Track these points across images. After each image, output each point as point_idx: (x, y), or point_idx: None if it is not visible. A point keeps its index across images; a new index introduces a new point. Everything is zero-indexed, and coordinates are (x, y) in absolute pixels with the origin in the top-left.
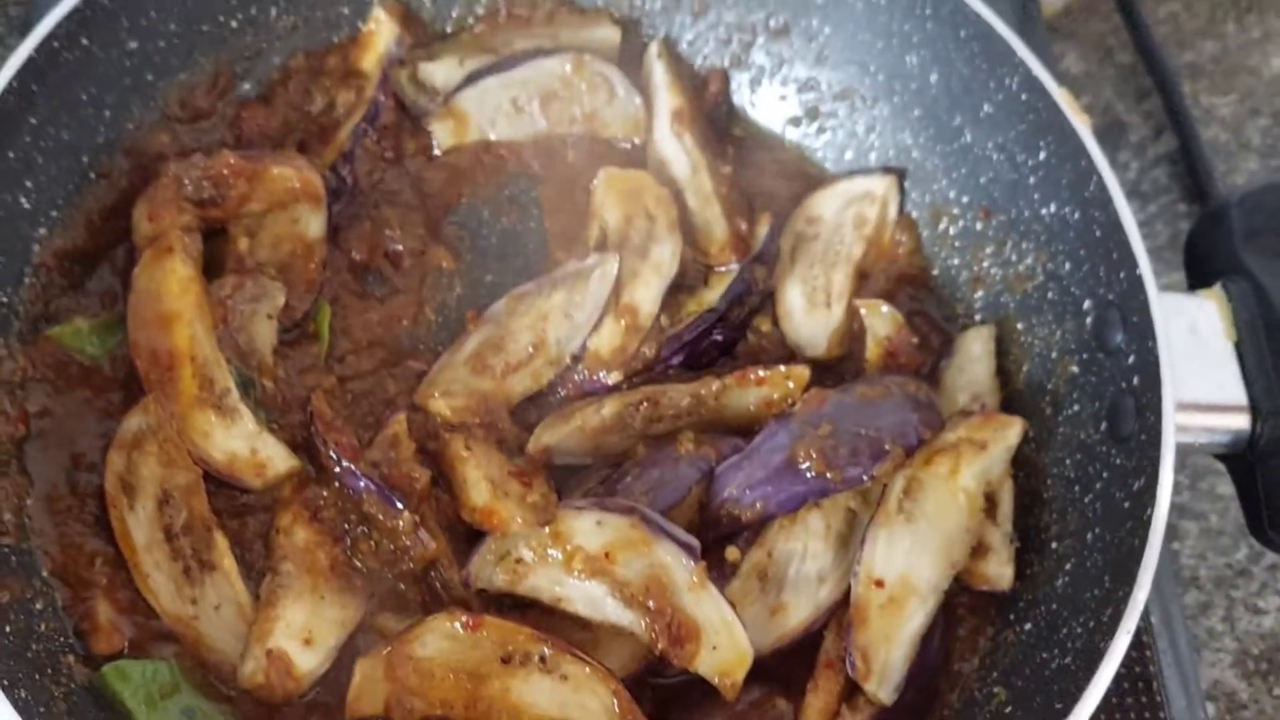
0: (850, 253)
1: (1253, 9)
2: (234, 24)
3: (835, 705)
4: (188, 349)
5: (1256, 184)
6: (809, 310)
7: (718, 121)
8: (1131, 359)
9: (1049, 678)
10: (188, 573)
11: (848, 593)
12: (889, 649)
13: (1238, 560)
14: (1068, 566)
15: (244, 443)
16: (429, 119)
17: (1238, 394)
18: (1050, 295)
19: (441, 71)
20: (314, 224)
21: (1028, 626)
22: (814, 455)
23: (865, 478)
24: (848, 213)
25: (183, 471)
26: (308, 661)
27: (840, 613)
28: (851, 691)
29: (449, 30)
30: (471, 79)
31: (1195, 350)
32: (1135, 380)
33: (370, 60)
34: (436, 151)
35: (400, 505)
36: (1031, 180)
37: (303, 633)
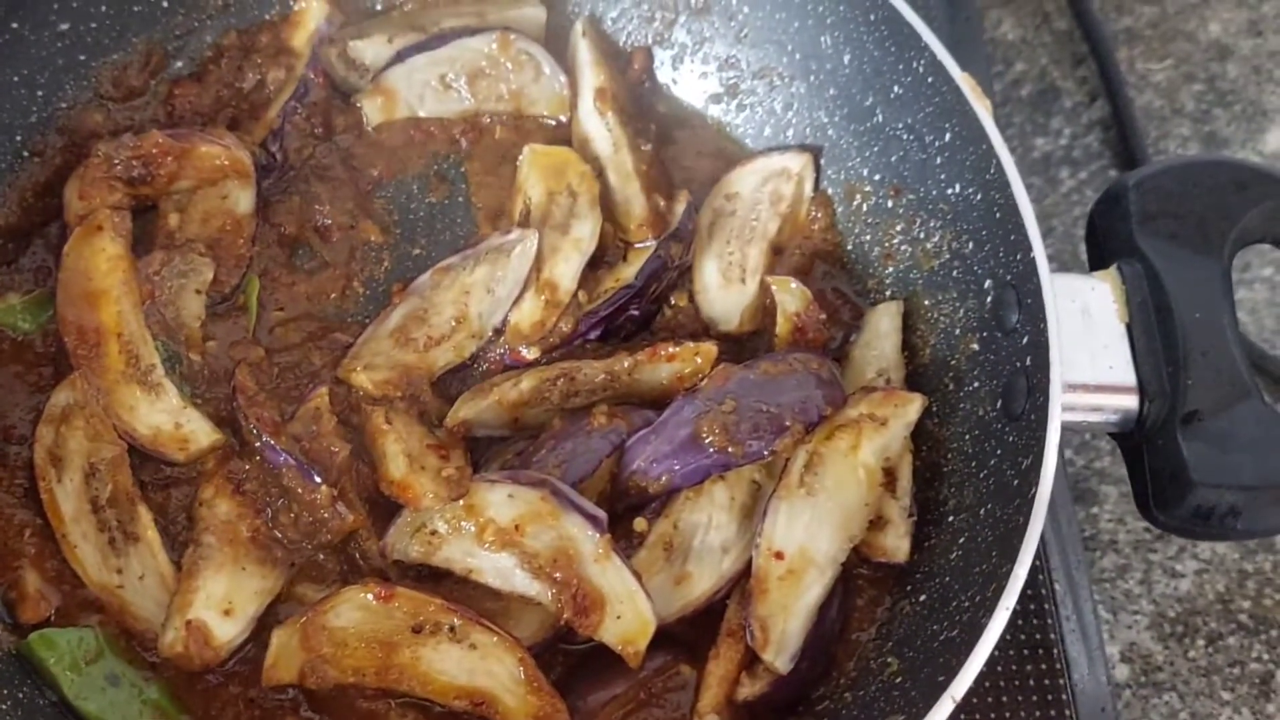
0: (766, 229)
1: None
2: (165, 3)
3: (736, 673)
4: (114, 325)
5: (1154, 166)
6: (724, 286)
7: (641, 99)
8: (1025, 339)
9: (937, 649)
10: (113, 543)
11: (750, 563)
12: (786, 620)
13: None
14: (961, 540)
15: (168, 417)
16: (358, 96)
17: (1127, 375)
18: (955, 273)
19: (371, 49)
20: (243, 200)
21: (922, 598)
22: (716, 430)
23: (765, 452)
24: (765, 189)
25: (109, 445)
26: (227, 631)
27: (743, 583)
28: (752, 659)
29: (379, 8)
30: (400, 56)
31: (1087, 331)
32: (1028, 360)
33: (301, 38)
34: (366, 128)
35: (319, 480)
36: (938, 161)
37: (223, 603)
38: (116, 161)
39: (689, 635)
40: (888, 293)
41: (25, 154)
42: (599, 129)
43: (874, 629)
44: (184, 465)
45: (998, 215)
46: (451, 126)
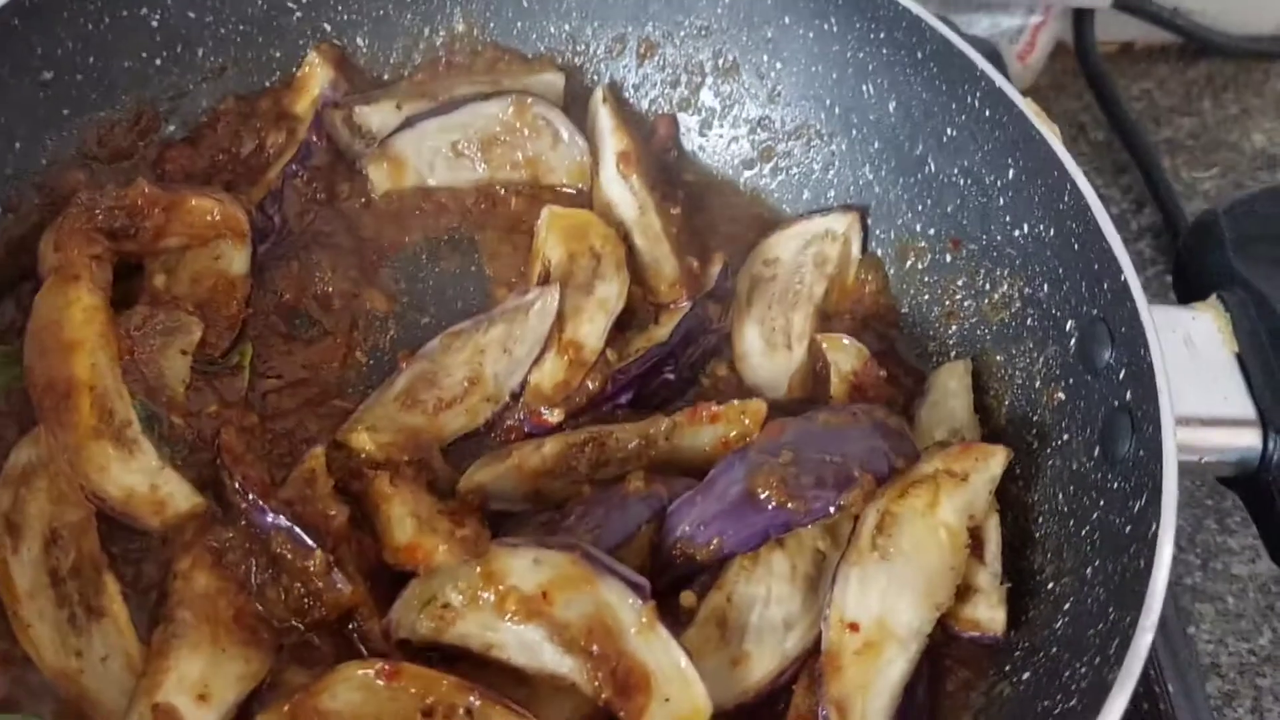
0: (811, 292)
1: (1229, 87)
2: (158, 62)
3: None
4: (88, 378)
5: (1242, 194)
6: (768, 352)
7: (667, 166)
8: (1123, 373)
9: None
10: (73, 620)
11: (818, 641)
12: (866, 699)
13: (1261, 645)
14: (1066, 606)
15: (143, 478)
16: (364, 162)
17: (1245, 407)
18: (1029, 321)
19: (378, 115)
20: (237, 260)
21: (1025, 676)
22: (774, 484)
23: (832, 508)
24: (808, 252)
25: (73, 508)
26: None
27: (811, 663)
28: None
29: (386, 77)
30: (409, 122)
31: (1193, 363)
32: (1128, 395)
33: (304, 104)
34: (372, 195)
35: (312, 543)
36: (1001, 202)
37: (197, 687)
38: (98, 211)
39: None
40: (952, 354)
41: None
42: (623, 193)
43: (969, 716)
44: (159, 532)
45: (1076, 246)
46: (464, 197)
